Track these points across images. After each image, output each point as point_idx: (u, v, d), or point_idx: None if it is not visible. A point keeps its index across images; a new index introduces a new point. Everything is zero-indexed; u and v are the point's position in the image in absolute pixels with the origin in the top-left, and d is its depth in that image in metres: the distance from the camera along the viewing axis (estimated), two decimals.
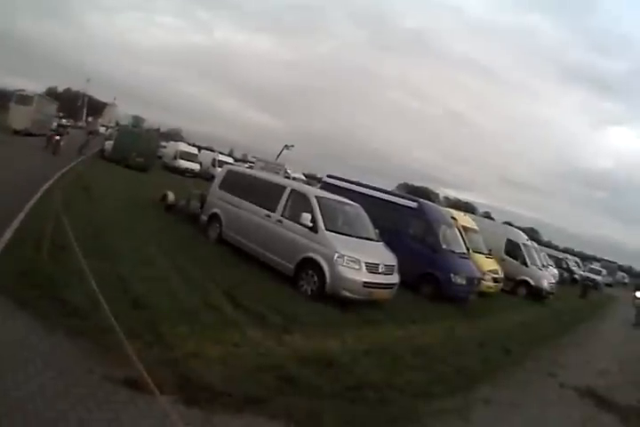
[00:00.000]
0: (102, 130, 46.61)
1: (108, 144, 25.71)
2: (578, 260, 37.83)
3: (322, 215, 7.46)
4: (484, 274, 11.53)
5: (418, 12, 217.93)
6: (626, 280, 54.92)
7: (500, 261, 14.14)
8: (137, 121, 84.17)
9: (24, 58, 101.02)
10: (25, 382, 3.08)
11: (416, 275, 9.74)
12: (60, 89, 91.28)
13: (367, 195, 11.15)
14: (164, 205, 12.20)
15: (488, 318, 10.07)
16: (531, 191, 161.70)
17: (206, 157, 33.04)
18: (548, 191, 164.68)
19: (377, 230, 8.40)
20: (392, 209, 10.78)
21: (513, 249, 15.78)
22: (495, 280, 12.65)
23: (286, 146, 26.27)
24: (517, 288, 15.45)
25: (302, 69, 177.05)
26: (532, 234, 41.99)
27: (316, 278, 7.04)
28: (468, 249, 11.46)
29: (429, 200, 16.14)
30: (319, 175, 40.03)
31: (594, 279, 30.85)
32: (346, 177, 13.00)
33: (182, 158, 29.96)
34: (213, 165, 29.42)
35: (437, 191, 77.38)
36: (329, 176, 13.06)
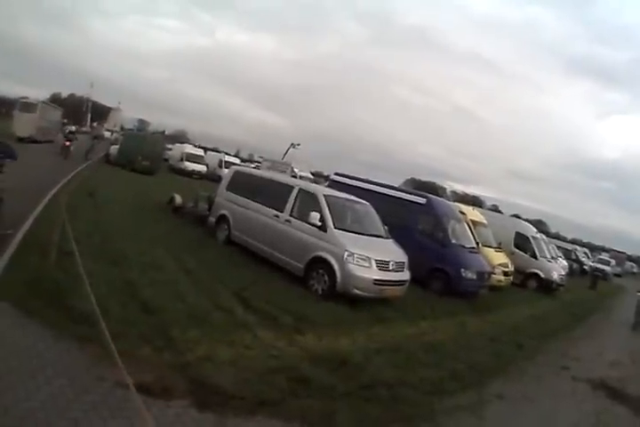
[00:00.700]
0: (107, 134, 46.78)
1: (114, 148, 25.90)
2: (587, 251, 37.49)
3: (330, 214, 7.43)
4: (493, 268, 11.42)
5: (420, 8, 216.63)
6: (635, 270, 54.48)
7: (510, 255, 14.03)
8: (142, 125, 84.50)
9: (27, 65, 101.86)
10: (35, 392, 3.04)
11: (426, 270, 9.65)
12: (65, 95, 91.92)
13: (375, 192, 11.03)
14: (171, 207, 12.21)
15: (499, 313, 9.97)
16: (537, 183, 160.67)
17: (213, 158, 33.16)
18: (554, 183, 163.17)
19: (386, 227, 8.32)
20: (401, 205, 10.70)
21: (522, 242, 15.66)
22: (505, 274, 12.54)
23: (292, 145, 26.40)
24: (527, 281, 15.32)
25: (306, 68, 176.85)
26: (540, 226, 41.74)
27: (326, 277, 7.01)
28: (477, 243, 11.37)
29: (437, 195, 16.04)
30: (326, 173, 40.06)
31: (603, 270, 30.50)
32: (353, 174, 12.86)
33: (188, 160, 29.99)
34: (220, 167, 29.54)
35: (444, 186, 76.84)
36: (336, 174, 13.01)
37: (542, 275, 15.30)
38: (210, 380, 3.63)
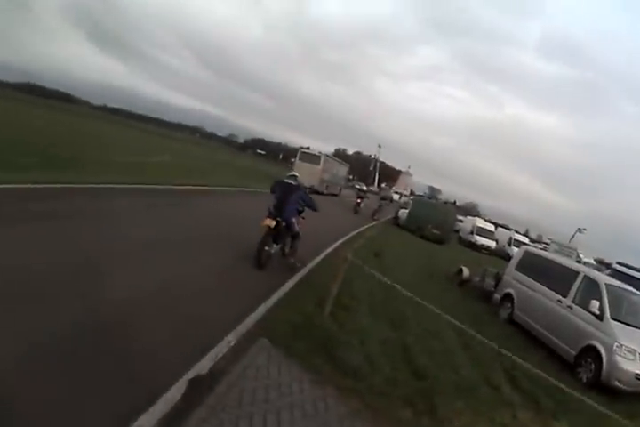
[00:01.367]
0: (395, 197, 51.49)
1: (403, 212, 28.97)
2: None
3: (609, 303, 8.30)
4: None
5: None
6: None
7: None
8: (433, 192, 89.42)
9: (312, 118, 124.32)
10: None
11: None
12: (350, 151, 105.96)
13: None
14: (458, 279, 14.01)
15: None
16: None
17: (502, 234, 34.22)
18: None
19: None
20: None
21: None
22: None
23: (579, 229, 26.48)
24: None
25: (593, 148, 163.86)
26: None
27: (593, 366, 7.79)
28: None
29: None
30: (608, 261, 36.26)
31: None
32: (637, 265, 12.71)
33: (479, 234, 31.90)
34: (509, 244, 30.39)
35: None
36: (619, 264, 13.16)
37: None
38: None
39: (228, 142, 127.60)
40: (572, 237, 25.51)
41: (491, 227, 35.32)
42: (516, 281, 11.02)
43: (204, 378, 3.83)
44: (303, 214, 9.17)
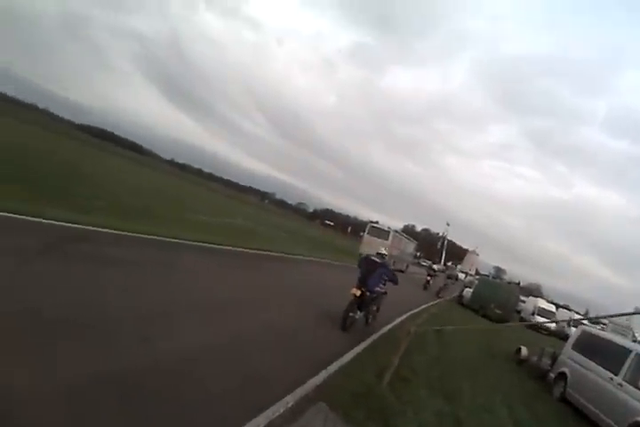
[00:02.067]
0: (461, 276, 51.23)
1: (467, 291, 29.53)
2: None
3: None
4: None
5: None
6: None
7: None
8: (498, 272, 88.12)
9: (382, 192, 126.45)
10: None
11: None
12: (418, 228, 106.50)
13: None
14: (516, 358, 14.36)
15: None
16: None
17: (563, 315, 33.59)
18: None
19: None
20: None
21: None
22: None
23: (637, 308, 25.83)
24: None
25: None
26: None
27: None
28: None
29: None
30: None
31: None
32: None
33: (539, 315, 31.46)
34: (569, 325, 29.63)
35: None
36: None
37: None
38: None
39: (297, 210, 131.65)
40: (629, 316, 24.70)
41: (552, 308, 34.61)
42: (571, 360, 11.31)
43: None
44: (385, 288, 10.55)
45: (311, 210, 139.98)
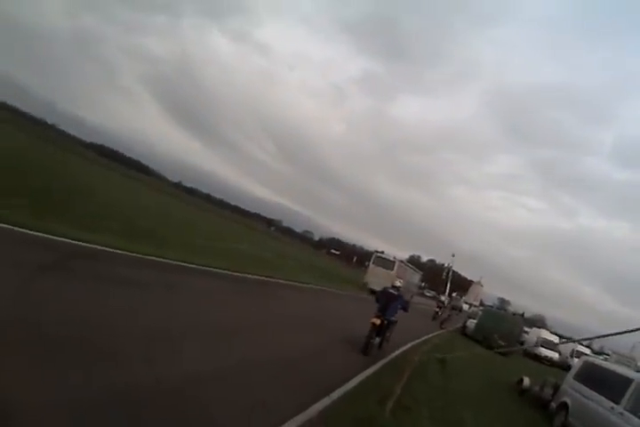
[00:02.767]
0: (465, 307, 50.95)
1: (471, 322, 29.60)
2: None
3: None
4: None
5: None
6: None
7: None
8: (502, 303, 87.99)
9: (388, 221, 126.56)
10: None
11: None
12: (424, 258, 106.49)
13: None
14: (518, 389, 14.25)
15: None
16: None
17: (566, 346, 33.12)
18: None
19: None
20: None
21: None
22: None
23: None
24: None
25: None
26: None
27: None
28: None
29: None
30: None
31: None
32: None
33: (542, 346, 31.26)
34: (571, 356, 29.44)
35: None
36: None
37: None
38: None
39: (303, 238, 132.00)
40: (633, 347, 24.37)
41: (555, 339, 34.46)
42: (572, 390, 11.24)
43: None
44: (397, 317, 11.65)
45: (317, 238, 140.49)
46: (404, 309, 11.56)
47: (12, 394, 3.42)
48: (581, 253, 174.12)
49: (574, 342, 26.03)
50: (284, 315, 12.06)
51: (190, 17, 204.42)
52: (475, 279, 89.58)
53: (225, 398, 5.02)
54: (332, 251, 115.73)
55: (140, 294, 7.75)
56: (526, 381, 14.19)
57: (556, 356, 31.08)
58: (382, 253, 35.57)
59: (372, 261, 34.33)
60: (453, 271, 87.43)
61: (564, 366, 26.75)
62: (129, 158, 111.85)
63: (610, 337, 13.42)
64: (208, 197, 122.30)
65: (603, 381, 10.58)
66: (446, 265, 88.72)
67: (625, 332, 11.43)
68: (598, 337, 13.34)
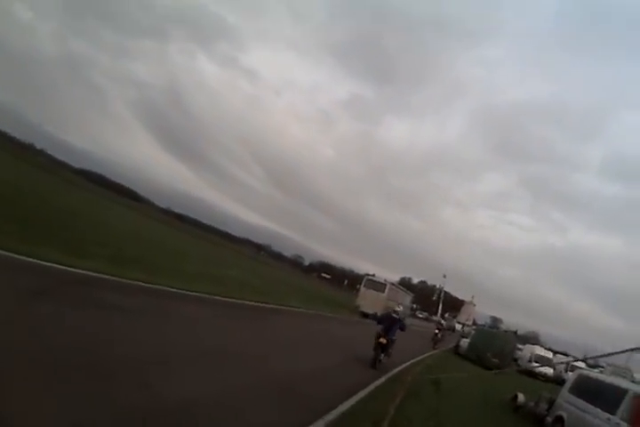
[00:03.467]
0: (458, 327, 50.94)
1: (464, 342, 29.59)
2: None
3: None
4: None
5: None
6: None
7: None
8: (494, 322, 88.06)
9: (378, 245, 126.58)
10: None
11: None
12: (415, 280, 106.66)
13: None
14: (513, 405, 14.24)
15: None
16: None
17: (559, 360, 33.09)
18: None
19: None
20: None
21: None
22: None
23: (633, 349, 25.46)
24: None
25: None
26: None
27: None
28: None
29: None
30: None
31: None
32: None
33: (537, 362, 31.01)
34: (566, 370, 29.44)
35: None
36: None
37: None
38: None
39: (294, 263, 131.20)
40: (628, 358, 24.28)
41: (549, 354, 34.34)
42: (567, 403, 11.26)
43: None
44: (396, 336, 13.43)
45: (307, 263, 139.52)
46: (402, 329, 13.55)
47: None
48: (573, 268, 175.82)
49: (583, 361, 25.84)
50: (278, 340, 12.05)
51: (178, 42, 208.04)
52: (466, 299, 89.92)
53: (218, 417, 5.06)
54: (323, 275, 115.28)
55: (136, 320, 7.79)
56: (520, 397, 14.18)
57: (550, 371, 30.95)
58: (373, 275, 35.52)
59: (362, 283, 34.33)
60: (445, 292, 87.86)
61: (558, 381, 26.53)
62: (118, 184, 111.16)
63: (601, 352, 13.46)
64: (197, 223, 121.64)
65: (597, 393, 10.60)
66: (438, 286, 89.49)
67: (628, 350, 11.49)
68: (603, 356, 13.32)
